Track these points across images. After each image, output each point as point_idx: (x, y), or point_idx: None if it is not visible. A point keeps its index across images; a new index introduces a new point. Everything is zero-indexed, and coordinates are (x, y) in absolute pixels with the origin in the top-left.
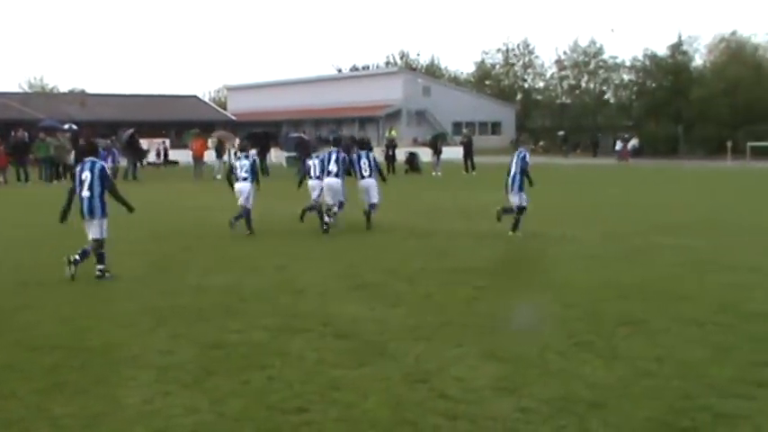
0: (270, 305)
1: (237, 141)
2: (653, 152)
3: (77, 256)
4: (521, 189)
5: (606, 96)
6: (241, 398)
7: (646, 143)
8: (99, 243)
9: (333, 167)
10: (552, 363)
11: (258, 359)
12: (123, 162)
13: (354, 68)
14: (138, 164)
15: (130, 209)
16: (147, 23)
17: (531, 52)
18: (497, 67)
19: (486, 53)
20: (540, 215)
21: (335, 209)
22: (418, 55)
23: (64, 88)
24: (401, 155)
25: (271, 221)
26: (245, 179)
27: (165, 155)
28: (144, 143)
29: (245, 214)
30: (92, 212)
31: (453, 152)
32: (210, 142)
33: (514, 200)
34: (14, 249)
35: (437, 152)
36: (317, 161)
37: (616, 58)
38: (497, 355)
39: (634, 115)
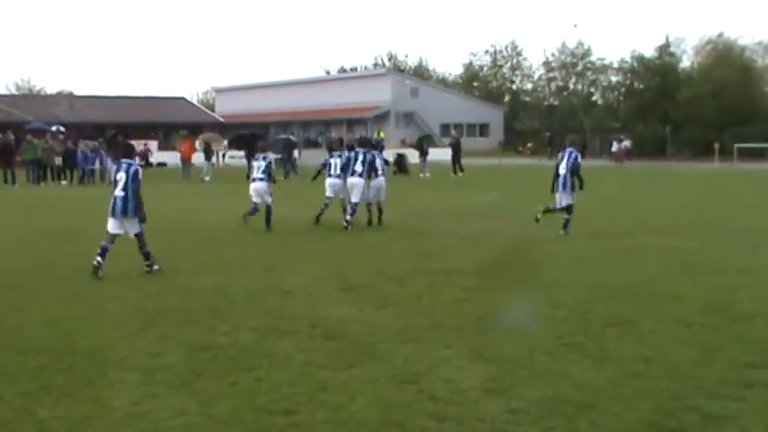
0: (258, 306)
1: (225, 143)
2: (640, 153)
3: (99, 258)
4: (572, 189)
5: (594, 98)
6: (229, 400)
7: (634, 144)
8: (141, 240)
9: (359, 167)
10: (541, 364)
11: (246, 361)
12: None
13: (342, 70)
14: None
15: (143, 219)
16: (135, 25)
17: (518, 54)
18: (485, 68)
19: (474, 55)
20: (530, 217)
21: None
22: (406, 56)
23: (51, 90)
24: (389, 156)
25: (259, 223)
26: (261, 179)
27: (146, 157)
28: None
29: (266, 212)
30: (125, 211)
31: (441, 153)
32: (198, 144)
33: (566, 200)
34: (2, 251)
35: (423, 153)
36: (338, 160)
37: (604, 59)
38: (486, 357)
39: (622, 117)
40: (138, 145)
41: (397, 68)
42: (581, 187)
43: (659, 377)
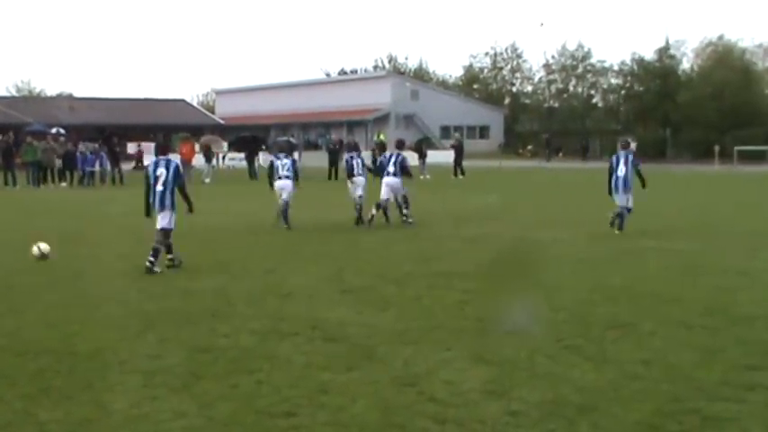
0: (258, 308)
1: (225, 145)
2: (640, 156)
3: (151, 258)
4: (630, 189)
5: (594, 100)
6: (230, 402)
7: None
8: (166, 233)
9: (392, 168)
10: (541, 366)
11: (247, 363)
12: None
13: (343, 72)
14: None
15: (191, 208)
16: (135, 27)
17: (519, 56)
18: (485, 70)
19: (474, 57)
20: (530, 219)
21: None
22: (406, 59)
23: (51, 92)
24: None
25: (259, 225)
26: (286, 177)
27: (139, 159)
28: (132, 147)
29: (285, 209)
30: (162, 205)
31: (441, 156)
32: (198, 147)
33: (626, 200)
34: (1, 253)
35: (422, 156)
36: (358, 160)
37: (604, 62)
38: (486, 359)
39: (622, 119)
40: (126, 146)
41: (398, 71)
42: (644, 186)
43: (659, 379)
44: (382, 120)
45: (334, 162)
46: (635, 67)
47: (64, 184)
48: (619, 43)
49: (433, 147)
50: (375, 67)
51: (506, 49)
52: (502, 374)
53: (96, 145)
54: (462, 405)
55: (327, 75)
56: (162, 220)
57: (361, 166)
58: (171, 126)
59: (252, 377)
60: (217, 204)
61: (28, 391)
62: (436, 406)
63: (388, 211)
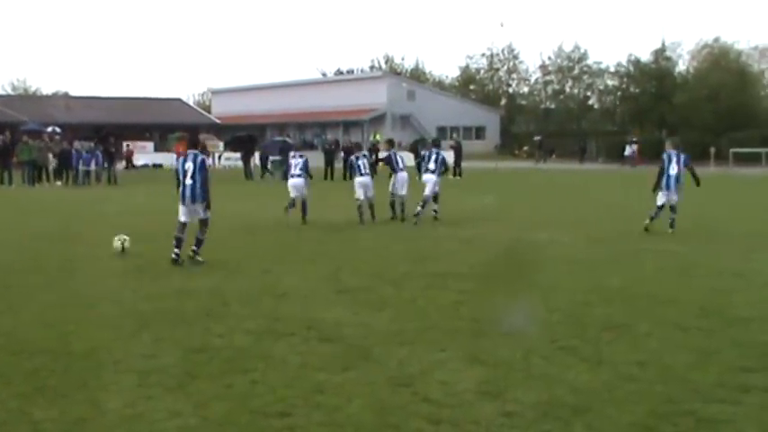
0: (254, 308)
1: (221, 145)
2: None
3: (176, 250)
4: (681, 187)
5: (590, 102)
6: (224, 402)
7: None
8: (204, 226)
9: (432, 165)
10: (536, 367)
11: (241, 363)
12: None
13: (339, 72)
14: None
15: (208, 205)
16: (131, 26)
17: (515, 57)
18: (482, 71)
19: (471, 58)
20: (527, 220)
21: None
22: (403, 59)
23: (47, 90)
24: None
25: (255, 225)
26: (299, 175)
27: (129, 159)
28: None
29: (302, 205)
30: (194, 198)
31: None
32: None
33: (675, 198)
34: None
35: (418, 157)
36: (365, 161)
37: (600, 63)
38: (481, 360)
39: (618, 120)
40: (122, 146)
41: (394, 71)
42: (698, 184)
43: (654, 381)
44: (378, 120)
45: (330, 162)
46: (631, 69)
47: (59, 183)
48: (615, 45)
49: (429, 147)
50: (371, 68)
51: (503, 50)
52: (497, 375)
53: (92, 144)
54: (457, 406)
55: (324, 75)
56: (198, 213)
57: (367, 166)
58: (167, 125)
59: (247, 377)
60: (212, 204)
61: (23, 389)
62: (431, 406)
63: (403, 212)
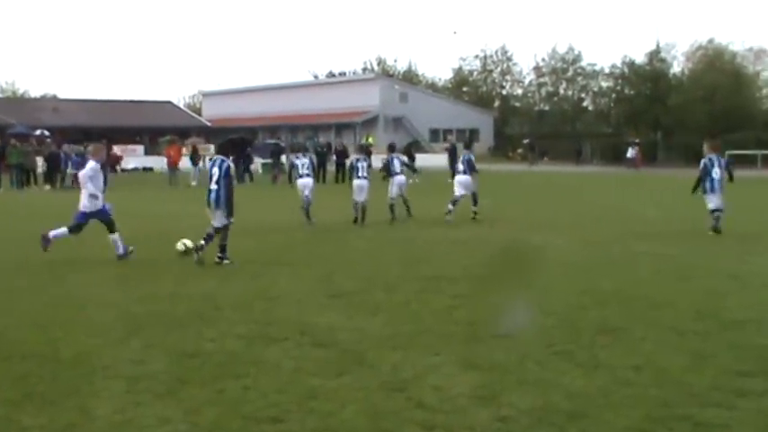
0: (246, 313)
1: (213, 148)
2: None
3: (203, 241)
4: (724, 190)
5: (585, 103)
6: (215, 407)
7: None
8: (223, 232)
9: (461, 166)
10: (531, 372)
11: (233, 368)
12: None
13: (331, 74)
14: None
15: (231, 213)
16: (121, 28)
17: (509, 59)
18: (475, 73)
19: (464, 59)
20: (521, 222)
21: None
22: (395, 61)
23: (36, 93)
24: (378, 161)
25: (246, 228)
26: (307, 175)
27: (114, 165)
28: (117, 150)
29: (307, 206)
30: (217, 203)
31: (430, 159)
32: (185, 150)
33: (720, 201)
34: None
35: (411, 159)
36: (364, 163)
37: (594, 65)
38: (475, 364)
39: (613, 122)
40: (113, 149)
41: (386, 73)
42: (731, 180)
43: (650, 385)
44: (371, 122)
45: (322, 164)
46: (625, 71)
47: (48, 186)
48: (609, 46)
49: (422, 150)
50: (364, 70)
51: (496, 52)
52: (491, 380)
53: (82, 147)
54: (451, 411)
55: (315, 77)
56: (217, 219)
57: (365, 168)
58: (157, 128)
59: (238, 382)
60: (204, 207)
61: (11, 396)
62: (425, 412)
63: (411, 208)
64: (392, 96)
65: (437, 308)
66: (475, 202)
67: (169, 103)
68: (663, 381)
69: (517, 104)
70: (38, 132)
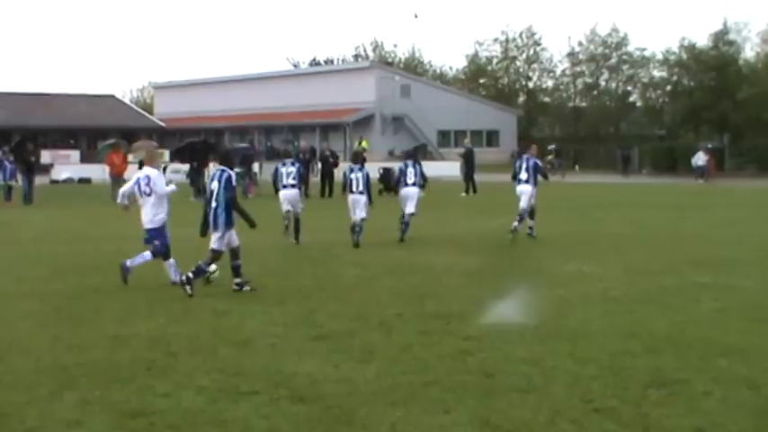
0: (207, 360)
1: (167, 154)
2: (690, 167)
3: (191, 274)
4: None
5: (632, 98)
6: None
7: (681, 157)
8: (216, 255)
9: (524, 175)
10: None
11: (191, 430)
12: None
13: (315, 63)
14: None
15: (252, 224)
16: (54, 9)
17: (536, 43)
18: (495, 61)
19: (481, 44)
20: (548, 247)
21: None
22: (395, 46)
23: None
24: (374, 171)
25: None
26: (292, 186)
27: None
28: (47, 155)
29: (294, 222)
30: (215, 224)
31: (440, 167)
32: (133, 156)
33: None
34: None
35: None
36: (358, 174)
37: (644, 50)
38: (494, 424)
39: (667, 122)
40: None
41: (384, 61)
42: None
43: None
44: (365, 122)
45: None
46: (684, 57)
47: None
48: (663, 27)
49: (430, 156)
50: (356, 57)
51: (521, 35)
52: None
53: (1, 152)
54: None
55: (295, 66)
56: (214, 242)
57: (362, 181)
58: (97, 129)
59: None
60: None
61: None
62: None
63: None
64: (391, 90)
65: (445, 353)
66: (532, 216)
67: (111, 97)
68: None
69: (547, 100)
70: None
